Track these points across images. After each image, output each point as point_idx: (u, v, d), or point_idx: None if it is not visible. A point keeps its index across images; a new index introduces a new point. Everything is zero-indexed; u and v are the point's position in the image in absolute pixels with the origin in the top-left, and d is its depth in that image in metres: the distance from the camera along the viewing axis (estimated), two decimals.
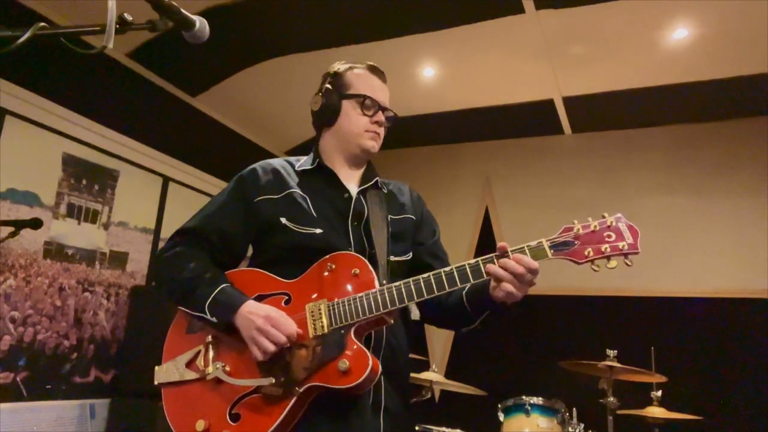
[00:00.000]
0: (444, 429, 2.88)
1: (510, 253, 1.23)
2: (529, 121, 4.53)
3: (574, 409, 2.89)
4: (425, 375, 3.15)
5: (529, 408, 2.87)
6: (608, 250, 1.21)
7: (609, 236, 1.22)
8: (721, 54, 3.45)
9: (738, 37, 3.27)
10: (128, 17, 0.86)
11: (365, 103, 1.50)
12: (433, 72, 3.93)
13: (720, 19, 3.16)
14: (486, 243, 4.63)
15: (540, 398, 2.90)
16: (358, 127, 1.50)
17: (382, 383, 1.34)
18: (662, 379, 2.90)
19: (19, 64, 2.98)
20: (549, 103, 4.21)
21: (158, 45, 3.43)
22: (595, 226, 1.24)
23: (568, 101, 4.16)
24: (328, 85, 1.53)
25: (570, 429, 2.81)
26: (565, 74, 3.82)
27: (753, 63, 3.48)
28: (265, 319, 1.25)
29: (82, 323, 3.33)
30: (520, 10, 3.17)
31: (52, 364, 3.15)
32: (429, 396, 3.16)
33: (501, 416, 2.97)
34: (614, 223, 1.23)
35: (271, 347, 1.24)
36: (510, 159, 4.84)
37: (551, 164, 4.68)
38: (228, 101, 4.21)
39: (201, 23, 0.95)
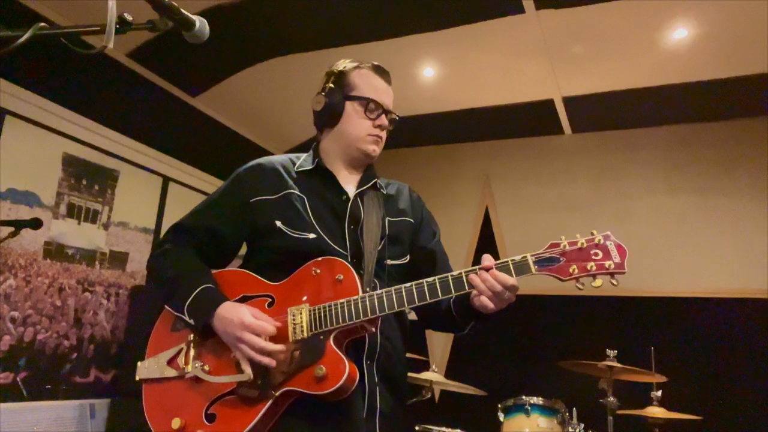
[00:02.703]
0: (444, 429, 2.88)
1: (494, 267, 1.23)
2: (529, 121, 4.53)
3: (574, 409, 2.89)
4: (425, 375, 3.15)
5: (529, 408, 2.87)
6: (594, 268, 1.20)
7: (596, 254, 1.22)
8: (721, 54, 3.45)
9: (738, 37, 3.27)
10: (128, 17, 0.87)
11: (369, 106, 1.47)
12: (433, 72, 3.93)
13: (720, 19, 3.16)
14: (486, 243, 4.63)
15: (540, 398, 2.90)
16: (360, 131, 1.47)
17: (377, 389, 1.33)
18: (662, 379, 2.90)
19: (19, 64, 2.98)
20: (549, 103, 4.21)
21: (158, 45, 3.43)
22: (582, 244, 1.23)
23: (568, 101, 4.16)
24: (332, 85, 1.49)
25: (570, 429, 2.81)
26: (565, 74, 3.82)
27: (753, 63, 3.48)
28: (242, 328, 1.24)
29: (82, 323, 3.33)
30: (520, 10, 3.17)
31: (52, 364, 3.15)
32: (429, 396, 3.16)
33: (501, 416, 2.97)
34: (602, 241, 1.22)
35: (254, 355, 1.24)
36: (510, 159, 4.84)
37: (551, 164, 4.68)
38: (228, 101, 4.21)
39: (201, 23, 0.95)
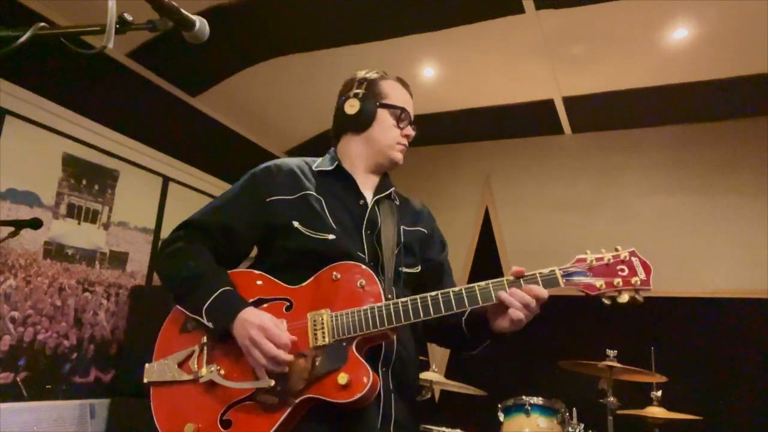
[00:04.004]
0: (444, 429, 2.88)
1: (522, 280, 1.23)
2: (529, 121, 4.53)
3: (574, 409, 2.89)
4: (425, 375, 3.15)
5: (529, 408, 2.87)
6: (620, 284, 1.21)
7: (622, 270, 1.22)
8: (721, 54, 3.45)
9: (738, 37, 3.27)
10: (128, 17, 0.86)
11: (401, 115, 1.51)
12: (433, 72, 3.93)
13: (720, 19, 3.16)
14: (486, 243, 4.63)
15: (540, 398, 2.90)
16: (391, 138, 1.49)
17: (392, 396, 1.32)
18: (662, 379, 2.90)
19: (19, 64, 2.98)
20: (549, 103, 4.21)
21: (158, 45, 3.43)
22: (609, 259, 1.24)
23: (568, 101, 4.16)
24: (363, 91, 1.51)
25: (570, 429, 2.81)
26: (565, 74, 3.82)
27: (753, 63, 3.48)
28: (259, 329, 1.21)
29: (82, 323, 3.33)
30: (520, 10, 3.17)
31: (52, 364, 3.15)
32: (429, 396, 3.16)
33: (501, 416, 2.97)
34: (628, 258, 1.23)
35: (265, 362, 1.21)
36: (510, 159, 4.84)
37: (551, 164, 4.68)
38: (228, 101, 4.21)
39: (201, 23, 0.95)
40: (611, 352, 2.86)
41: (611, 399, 2.81)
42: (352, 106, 1.50)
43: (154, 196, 3.90)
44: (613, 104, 4.13)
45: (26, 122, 3.05)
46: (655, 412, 2.86)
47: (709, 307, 3.90)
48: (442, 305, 1.24)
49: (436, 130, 4.80)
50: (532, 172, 4.73)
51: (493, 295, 1.23)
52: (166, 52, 3.55)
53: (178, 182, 4.08)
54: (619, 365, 2.80)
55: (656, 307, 4.00)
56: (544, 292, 1.22)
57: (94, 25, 0.86)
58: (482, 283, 1.25)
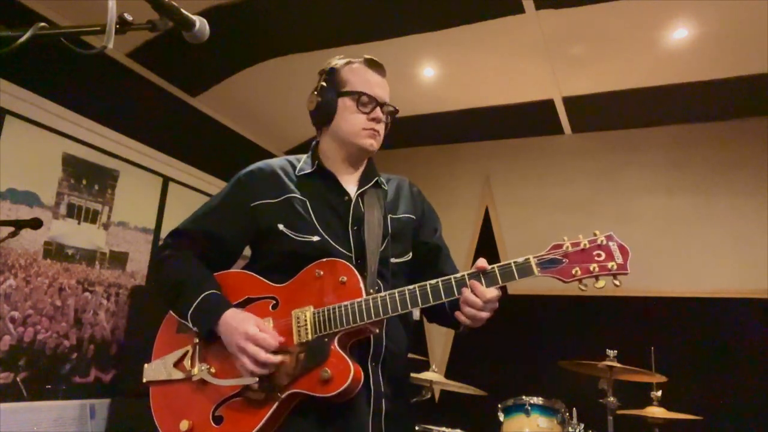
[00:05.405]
0: (444, 429, 2.88)
1: (494, 270, 1.23)
2: (529, 121, 4.53)
3: (574, 409, 2.89)
4: (425, 375, 3.15)
5: (529, 408, 2.87)
6: (596, 269, 1.20)
7: (598, 255, 1.21)
8: (721, 54, 3.45)
9: (738, 37, 3.27)
10: (128, 17, 0.86)
11: (361, 99, 1.45)
12: (433, 72, 3.93)
13: (720, 19, 3.16)
14: (486, 243, 4.63)
15: (540, 398, 2.90)
16: (355, 126, 1.45)
17: (383, 390, 1.34)
18: (662, 379, 2.90)
19: (19, 64, 2.98)
20: (549, 103, 4.21)
21: (158, 45, 3.43)
22: (585, 244, 1.22)
23: (568, 101, 4.16)
24: (324, 83, 1.48)
25: (570, 429, 2.81)
26: (565, 74, 3.82)
27: (753, 63, 3.48)
28: (246, 339, 1.24)
29: (82, 323, 3.33)
30: (520, 10, 3.17)
31: (52, 364, 3.15)
32: (429, 396, 3.16)
33: (501, 416, 2.97)
34: (605, 242, 1.22)
35: (254, 368, 1.24)
36: (510, 159, 4.84)
37: (551, 164, 4.68)
38: (228, 101, 4.21)
39: (201, 23, 0.95)
40: (611, 352, 2.86)
41: (611, 399, 2.81)
42: (311, 102, 1.49)
43: (154, 196, 3.90)
44: (613, 104, 4.13)
45: (26, 122, 3.05)
46: (655, 412, 2.85)
47: (709, 307, 3.90)
48: (419, 298, 1.25)
49: (436, 130, 4.81)
50: (532, 172, 4.73)
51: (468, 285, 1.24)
52: (166, 52, 3.55)
53: (178, 182, 4.08)
54: (619, 365, 2.80)
55: (656, 307, 4.01)
56: (485, 293, 1.21)
57: (94, 25, 0.86)
58: (458, 275, 1.26)
